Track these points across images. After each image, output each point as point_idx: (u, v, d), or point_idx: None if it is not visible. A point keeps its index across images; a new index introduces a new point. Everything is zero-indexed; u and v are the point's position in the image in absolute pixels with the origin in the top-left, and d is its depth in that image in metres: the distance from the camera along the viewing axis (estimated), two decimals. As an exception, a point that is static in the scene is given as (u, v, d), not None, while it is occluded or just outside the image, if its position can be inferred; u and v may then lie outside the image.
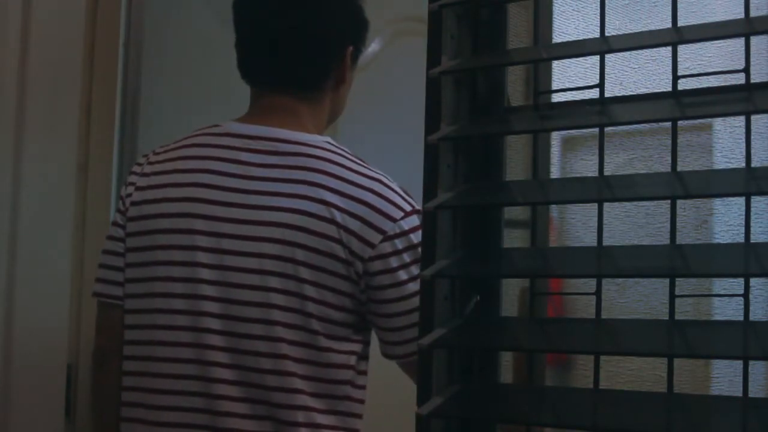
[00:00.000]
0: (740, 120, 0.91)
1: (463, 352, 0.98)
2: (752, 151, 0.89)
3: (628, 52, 1.04)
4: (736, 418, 0.86)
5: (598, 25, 0.96)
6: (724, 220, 1.26)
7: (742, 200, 0.89)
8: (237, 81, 1.59)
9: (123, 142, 1.92)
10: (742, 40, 0.89)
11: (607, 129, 0.95)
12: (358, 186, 1.47)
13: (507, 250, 1.03)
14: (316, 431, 1.44)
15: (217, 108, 1.72)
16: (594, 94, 0.96)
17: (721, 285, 1.22)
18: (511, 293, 1.21)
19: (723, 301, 1.16)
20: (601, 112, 0.95)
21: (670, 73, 0.92)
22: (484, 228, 1.01)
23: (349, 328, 1.48)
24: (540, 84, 1.02)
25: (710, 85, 0.93)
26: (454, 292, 0.98)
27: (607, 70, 0.95)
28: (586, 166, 1.36)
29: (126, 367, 1.52)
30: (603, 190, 0.94)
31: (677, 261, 0.91)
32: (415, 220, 1.47)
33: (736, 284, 0.90)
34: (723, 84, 0.92)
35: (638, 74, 1.22)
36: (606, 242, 0.95)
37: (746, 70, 0.89)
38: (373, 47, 2.19)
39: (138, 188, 1.54)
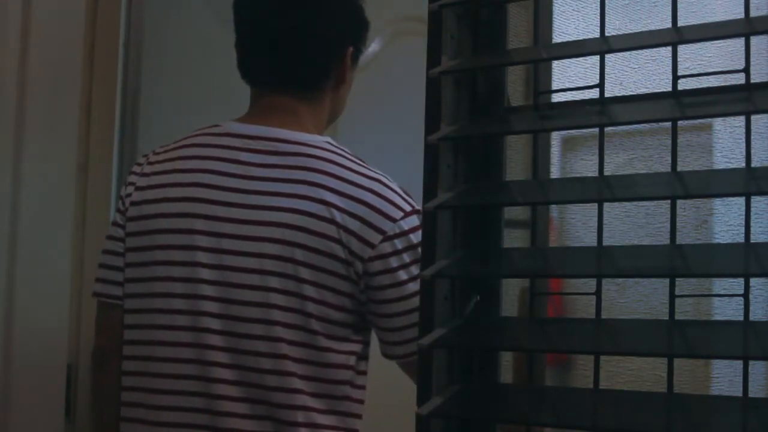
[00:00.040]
0: (740, 120, 0.90)
1: (463, 352, 0.98)
2: (752, 151, 0.89)
3: (628, 52, 1.04)
4: (736, 418, 0.86)
5: (598, 25, 0.96)
6: (724, 220, 1.26)
7: (742, 200, 0.89)
8: (237, 81, 1.58)
9: (123, 142, 1.92)
10: (742, 40, 0.89)
11: (607, 129, 0.95)
12: (358, 186, 1.47)
13: (507, 250, 1.03)
14: (316, 431, 1.45)
15: (217, 108, 1.71)
16: (594, 94, 0.96)
17: (721, 285, 1.22)
18: (511, 293, 1.21)
19: (723, 301, 1.16)
20: (601, 112, 0.95)
21: (670, 73, 0.92)
22: (484, 228, 1.01)
23: (348, 328, 1.48)
24: (540, 84, 1.02)
25: (710, 85, 0.93)
26: (454, 292, 0.98)
27: (607, 70, 0.95)
28: (586, 166, 1.36)
29: (126, 367, 1.52)
30: (603, 190, 0.94)
31: (677, 261, 0.91)
32: (414, 220, 1.47)
33: (736, 284, 0.90)
34: (723, 84, 0.92)
35: (638, 74, 1.22)
36: (606, 242, 0.95)
37: (746, 70, 0.89)
38: (373, 47, 2.19)
39: (138, 188, 1.54)
